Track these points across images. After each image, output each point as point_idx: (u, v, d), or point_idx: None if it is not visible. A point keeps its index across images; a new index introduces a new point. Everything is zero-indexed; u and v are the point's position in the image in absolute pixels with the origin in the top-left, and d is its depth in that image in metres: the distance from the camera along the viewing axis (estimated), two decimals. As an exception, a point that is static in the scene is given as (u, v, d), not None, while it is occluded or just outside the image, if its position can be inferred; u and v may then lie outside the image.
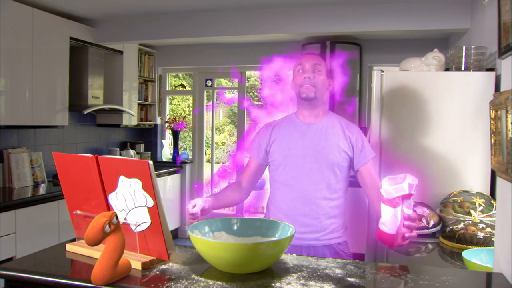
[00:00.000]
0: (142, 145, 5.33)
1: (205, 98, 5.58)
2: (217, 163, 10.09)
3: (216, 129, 9.56)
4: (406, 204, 1.40)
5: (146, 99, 5.26)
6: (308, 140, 1.83)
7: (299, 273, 1.15)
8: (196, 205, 1.57)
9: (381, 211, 1.44)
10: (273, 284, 1.07)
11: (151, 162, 1.13)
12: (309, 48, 4.56)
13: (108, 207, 1.27)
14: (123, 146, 5.16)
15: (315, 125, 1.86)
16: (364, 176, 1.83)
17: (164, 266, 1.19)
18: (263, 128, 1.96)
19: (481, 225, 1.86)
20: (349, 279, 1.12)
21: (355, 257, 1.89)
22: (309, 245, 1.79)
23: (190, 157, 5.53)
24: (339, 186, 1.83)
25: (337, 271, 1.17)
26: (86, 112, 4.05)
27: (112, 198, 1.25)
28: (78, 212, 1.34)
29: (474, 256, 1.45)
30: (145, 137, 5.51)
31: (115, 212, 1.09)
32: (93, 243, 1.04)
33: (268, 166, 1.93)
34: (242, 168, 1.99)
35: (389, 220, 1.41)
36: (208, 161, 6.57)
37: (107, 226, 1.05)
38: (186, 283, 1.07)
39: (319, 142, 1.82)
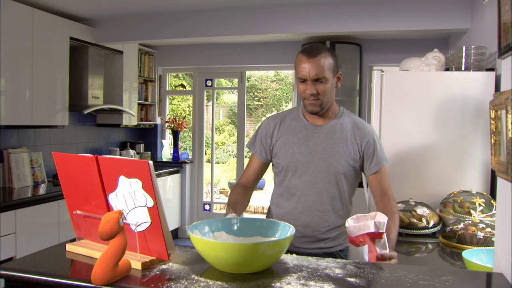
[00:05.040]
0: (142, 145, 5.33)
1: (205, 98, 5.58)
2: (217, 163, 10.10)
3: (216, 129, 9.57)
4: (379, 244, 1.36)
5: (146, 99, 5.26)
6: (314, 145, 1.71)
7: (299, 273, 1.15)
8: None
9: (349, 248, 1.40)
10: (273, 284, 1.07)
11: (151, 162, 1.13)
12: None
13: (108, 207, 1.27)
14: (123, 146, 5.16)
15: (323, 128, 1.72)
16: (374, 186, 1.72)
17: (164, 266, 1.19)
18: (266, 124, 1.82)
19: (481, 225, 1.86)
20: (349, 279, 1.12)
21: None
22: (310, 253, 1.73)
23: (190, 157, 5.53)
24: (345, 196, 1.74)
25: (337, 271, 1.17)
26: (86, 112, 4.05)
27: (112, 198, 1.24)
28: (78, 212, 1.34)
29: (474, 256, 1.45)
30: (145, 137, 5.51)
31: (122, 211, 1.09)
32: (109, 236, 1.05)
33: (272, 166, 1.84)
34: (248, 167, 1.86)
35: (355, 259, 1.38)
36: (208, 161, 6.57)
37: (121, 220, 1.06)
38: (186, 283, 1.07)
39: (326, 148, 1.70)
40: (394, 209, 1.67)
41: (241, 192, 1.79)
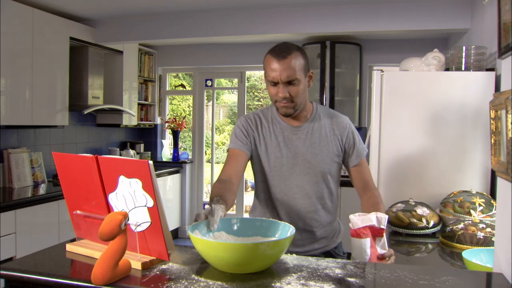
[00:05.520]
0: (142, 145, 5.33)
1: (205, 98, 5.58)
2: (217, 163, 10.10)
3: (216, 129, 9.56)
4: (379, 243, 1.39)
5: (146, 99, 5.26)
6: (295, 147, 1.67)
7: (299, 273, 1.15)
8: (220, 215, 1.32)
9: (351, 244, 1.42)
10: (273, 284, 1.07)
11: (151, 162, 1.13)
12: (309, 48, 4.56)
13: (108, 207, 1.27)
14: (123, 146, 5.16)
15: (301, 129, 1.68)
16: (355, 177, 1.72)
17: (164, 266, 1.19)
18: (244, 122, 1.71)
19: (481, 225, 1.86)
20: (349, 279, 1.12)
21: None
22: (306, 255, 1.75)
23: (190, 157, 5.53)
24: (332, 192, 1.73)
25: (337, 271, 1.17)
26: (86, 112, 4.05)
27: (112, 198, 1.24)
28: (78, 212, 1.34)
29: (474, 256, 1.45)
30: (145, 137, 5.51)
31: (127, 213, 1.09)
32: (109, 238, 1.05)
33: (253, 172, 1.74)
34: (228, 163, 1.66)
35: (358, 253, 1.40)
36: (208, 161, 6.57)
37: (123, 223, 1.06)
38: (186, 283, 1.07)
39: (308, 149, 1.66)
40: (379, 200, 1.64)
41: (226, 188, 1.52)
